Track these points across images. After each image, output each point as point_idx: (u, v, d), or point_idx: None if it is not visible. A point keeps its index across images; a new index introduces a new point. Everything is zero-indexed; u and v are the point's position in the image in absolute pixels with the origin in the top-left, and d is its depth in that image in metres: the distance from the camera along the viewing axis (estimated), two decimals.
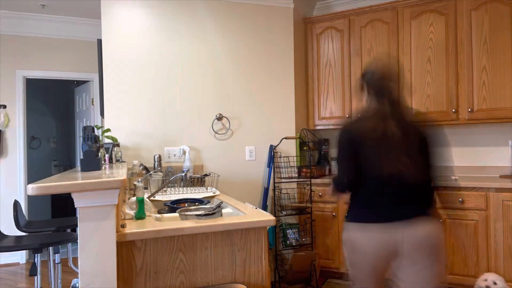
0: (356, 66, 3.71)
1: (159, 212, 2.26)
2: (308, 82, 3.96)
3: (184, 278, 1.62)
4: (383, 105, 1.76)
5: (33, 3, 4.07)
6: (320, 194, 3.54)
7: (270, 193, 3.54)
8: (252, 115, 3.56)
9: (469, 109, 3.25)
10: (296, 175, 3.57)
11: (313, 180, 3.57)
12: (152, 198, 2.44)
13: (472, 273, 2.99)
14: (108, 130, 2.98)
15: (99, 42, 3.30)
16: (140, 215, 1.78)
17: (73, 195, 1.38)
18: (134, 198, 1.89)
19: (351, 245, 1.79)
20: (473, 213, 2.99)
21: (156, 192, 2.44)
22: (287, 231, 3.39)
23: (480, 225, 2.96)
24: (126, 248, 1.54)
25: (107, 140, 2.99)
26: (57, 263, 2.78)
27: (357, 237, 1.76)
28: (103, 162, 2.43)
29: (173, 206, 2.23)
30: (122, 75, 3.27)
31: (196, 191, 2.77)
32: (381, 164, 1.72)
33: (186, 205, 2.30)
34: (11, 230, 3.71)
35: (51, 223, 2.84)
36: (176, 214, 2.07)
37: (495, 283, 2.69)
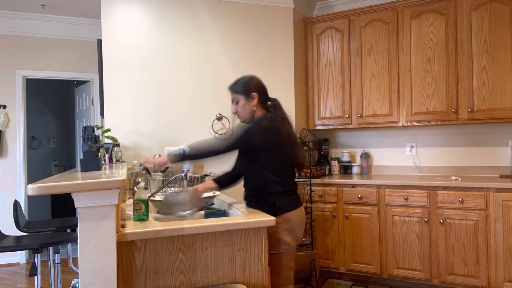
0: (356, 66, 3.71)
1: (159, 212, 2.26)
2: (308, 82, 3.96)
3: (184, 278, 1.62)
4: None
5: (33, 3, 4.07)
6: (320, 194, 3.54)
7: None
8: None
9: (469, 109, 3.25)
10: (296, 175, 3.57)
11: (313, 180, 3.57)
12: (152, 198, 2.43)
13: (472, 273, 2.99)
14: (108, 130, 2.98)
15: (99, 42, 3.30)
16: (142, 217, 1.75)
17: (73, 195, 1.38)
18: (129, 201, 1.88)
19: None
20: (473, 213, 2.99)
21: (156, 192, 2.43)
22: None
23: (480, 225, 2.96)
24: (126, 248, 1.54)
25: (107, 140, 2.99)
26: (57, 263, 2.78)
27: None
28: (103, 162, 2.43)
29: None
30: (122, 75, 3.27)
31: None
32: None
33: None
34: (11, 230, 3.71)
35: (51, 223, 2.83)
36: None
37: None
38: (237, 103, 2.11)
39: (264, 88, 2.15)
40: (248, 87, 2.08)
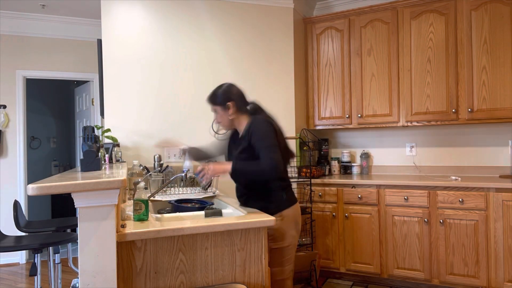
0: (356, 66, 3.71)
1: (158, 212, 2.26)
2: (308, 82, 3.96)
3: (184, 278, 1.62)
4: None
5: (33, 3, 4.07)
6: (320, 194, 3.55)
7: None
8: None
9: (469, 109, 3.26)
10: (296, 175, 3.58)
11: (313, 180, 3.57)
12: (152, 198, 2.44)
13: (472, 273, 2.99)
14: (108, 130, 2.99)
15: (99, 42, 3.30)
16: (142, 217, 1.75)
17: (73, 195, 1.38)
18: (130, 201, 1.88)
19: None
20: (473, 213, 2.99)
21: (156, 192, 2.44)
22: None
23: (480, 225, 2.96)
24: (126, 248, 1.54)
25: (107, 140, 2.99)
26: (57, 263, 2.78)
27: None
28: (103, 162, 2.43)
29: (179, 205, 2.25)
30: (122, 75, 3.27)
31: (196, 191, 2.78)
32: None
33: (190, 205, 2.32)
34: (11, 230, 3.71)
35: (51, 223, 2.83)
36: (176, 214, 2.08)
37: None
38: (216, 113, 2.17)
39: (241, 94, 2.16)
40: (224, 97, 2.10)
